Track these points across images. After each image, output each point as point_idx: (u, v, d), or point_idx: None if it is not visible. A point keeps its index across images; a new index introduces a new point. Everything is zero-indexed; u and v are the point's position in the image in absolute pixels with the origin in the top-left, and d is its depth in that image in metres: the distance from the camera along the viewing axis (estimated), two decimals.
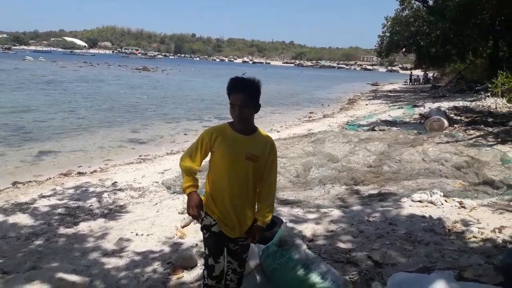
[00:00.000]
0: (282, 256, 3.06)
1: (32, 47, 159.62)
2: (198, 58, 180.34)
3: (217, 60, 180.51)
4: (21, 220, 5.12)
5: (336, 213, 4.92)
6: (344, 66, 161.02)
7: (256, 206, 2.56)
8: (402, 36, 31.44)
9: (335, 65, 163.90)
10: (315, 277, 2.97)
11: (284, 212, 4.96)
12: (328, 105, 23.92)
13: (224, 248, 2.51)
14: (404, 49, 34.80)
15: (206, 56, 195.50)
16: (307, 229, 4.45)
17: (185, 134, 13.16)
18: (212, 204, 2.45)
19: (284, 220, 3.91)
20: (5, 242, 4.46)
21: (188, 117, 17.24)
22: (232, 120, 2.41)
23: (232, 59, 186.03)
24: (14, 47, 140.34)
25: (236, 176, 2.36)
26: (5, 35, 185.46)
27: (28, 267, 3.81)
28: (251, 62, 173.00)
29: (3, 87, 25.00)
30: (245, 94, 2.31)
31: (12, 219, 5.15)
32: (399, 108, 18.17)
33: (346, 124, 13.36)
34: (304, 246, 3.20)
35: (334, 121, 14.82)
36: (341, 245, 4.03)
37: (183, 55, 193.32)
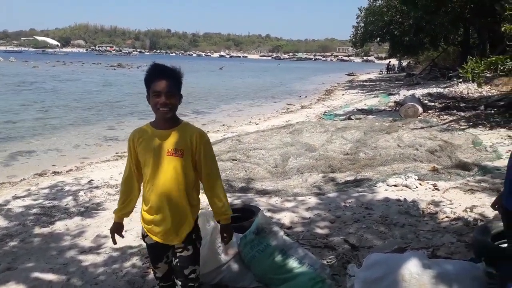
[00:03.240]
0: (260, 243, 3.09)
1: (2, 48, 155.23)
2: (174, 54, 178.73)
3: (194, 55, 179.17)
4: None
5: (313, 200, 4.98)
6: (320, 57, 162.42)
7: (197, 207, 2.32)
8: (376, 26, 31.83)
9: (311, 57, 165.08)
10: (292, 262, 3.01)
11: (262, 201, 4.99)
12: (306, 97, 24.05)
13: (163, 255, 2.33)
14: (378, 39, 35.25)
15: (182, 52, 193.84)
16: (285, 217, 4.49)
17: None
18: (143, 211, 2.27)
19: (261, 209, 3.93)
20: None
21: None
22: (152, 120, 2.25)
23: (209, 54, 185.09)
24: None
25: (162, 175, 2.13)
26: None
27: (2, 269, 3.72)
28: (228, 56, 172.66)
29: None
30: (171, 80, 2.11)
31: None
32: (374, 97, 18.43)
33: (323, 114, 13.47)
34: (281, 233, 3.24)
35: (311, 112, 14.92)
36: (319, 230, 4.08)
37: (158, 51, 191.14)
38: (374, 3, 31.76)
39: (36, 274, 3.57)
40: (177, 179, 2.15)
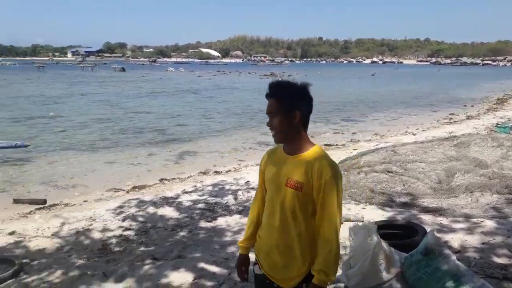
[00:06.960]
0: (428, 265, 2.80)
1: (173, 59, 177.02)
2: (324, 61, 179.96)
3: (345, 62, 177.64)
4: (167, 213, 5.63)
5: (488, 223, 4.36)
6: (490, 62, 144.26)
7: (312, 253, 1.85)
8: None
9: (479, 61, 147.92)
10: None
11: (426, 220, 4.57)
12: (472, 106, 21.62)
13: None
14: None
15: (333, 59, 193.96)
16: (453, 239, 4.03)
17: (311, 137, 13.14)
18: (258, 235, 2.04)
19: (427, 229, 3.59)
20: (155, 231, 4.94)
21: (314, 120, 17.19)
22: None
23: (361, 60, 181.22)
24: (158, 60, 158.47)
25: (278, 206, 1.86)
26: (151, 49, 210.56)
27: (174, 255, 4.16)
28: (380, 62, 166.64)
29: (153, 95, 28.33)
30: (274, 100, 1.84)
31: (160, 211, 5.71)
32: None
33: (496, 126, 11.89)
34: (454, 257, 2.87)
35: (480, 123, 13.37)
36: (496, 259, 3.54)
37: (309, 59, 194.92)
38: None
39: (202, 265, 3.87)
40: (291, 214, 1.84)
